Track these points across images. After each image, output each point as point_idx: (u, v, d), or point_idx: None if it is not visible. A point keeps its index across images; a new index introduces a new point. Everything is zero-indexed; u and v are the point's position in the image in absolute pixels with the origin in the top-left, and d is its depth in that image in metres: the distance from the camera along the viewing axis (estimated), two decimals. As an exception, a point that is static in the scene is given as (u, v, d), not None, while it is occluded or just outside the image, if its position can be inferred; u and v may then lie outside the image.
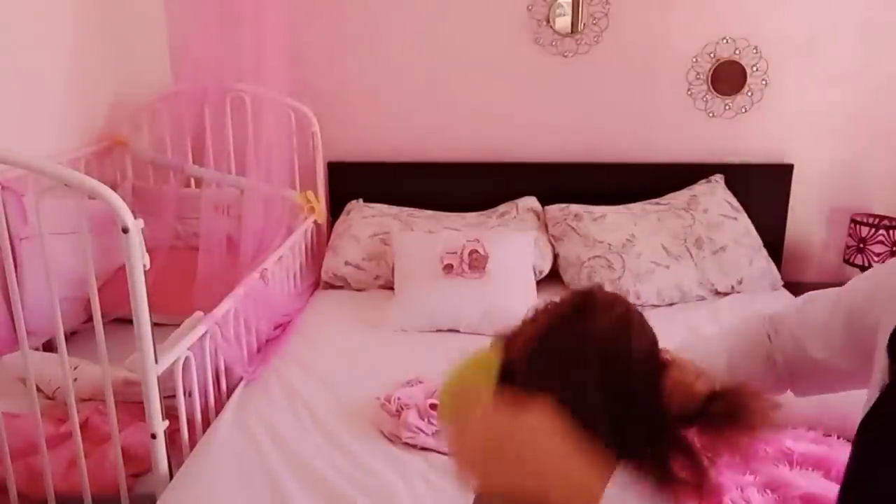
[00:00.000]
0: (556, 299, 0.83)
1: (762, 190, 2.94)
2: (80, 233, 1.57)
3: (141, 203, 2.79)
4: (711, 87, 2.94)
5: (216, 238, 2.62)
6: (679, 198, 2.89)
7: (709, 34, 2.91)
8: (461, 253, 2.54)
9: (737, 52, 2.90)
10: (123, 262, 1.55)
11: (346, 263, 2.78)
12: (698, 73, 2.95)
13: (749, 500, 1.44)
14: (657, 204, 2.89)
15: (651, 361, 0.80)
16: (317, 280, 2.89)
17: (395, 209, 2.97)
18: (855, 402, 1.72)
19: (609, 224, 2.76)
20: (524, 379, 0.77)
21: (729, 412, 0.74)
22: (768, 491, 1.47)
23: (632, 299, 2.55)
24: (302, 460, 1.69)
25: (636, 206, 2.87)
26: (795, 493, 1.44)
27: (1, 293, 2.08)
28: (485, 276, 2.51)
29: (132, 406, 1.83)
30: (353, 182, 3.07)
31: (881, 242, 2.76)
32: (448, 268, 2.54)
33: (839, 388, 0.92)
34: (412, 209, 2.97)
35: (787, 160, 2.98)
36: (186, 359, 1.80)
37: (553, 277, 2.76)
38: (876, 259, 2.78)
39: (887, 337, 0.72)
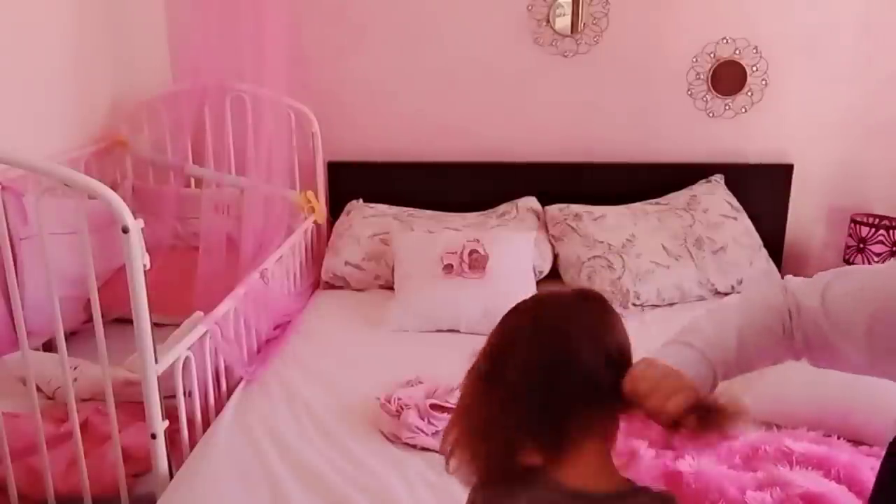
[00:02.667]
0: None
1: (762, 190, 2.94)
2: (79, 233, 1.57)
3: (141, 203, 2.79)
4: (711, 88, 2.94)
5: (216, 238, 2.62)
6: (679, 198, 2.89)
7: (709, 34, 2.91)
8: (461, 253, 2.54)
9: (737, 52, 2.90)
10: (123, 262, 1.55)
11: (346, 263, 2.78)
12: (698, 74, 2.95)
13: (749, 500, 1.44)
14: (657, 204, 2.89)
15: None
16: (317, 280, 2.89)
17: (395, 209, 2.97)
18: (855, 403, 1.72)
19: (609, 224, 2.76)
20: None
21: (699, 427, 0.83)
22: (768, 490, 1.47)
23: (632, 299, 2.55)
24: (302, 460, 1.69)
25: (636, 206, 2.87)
26: (796, 493, 1.44)
27: (1, 293, 2.08)
28: (485, 276, 2.51)
29: (132, 406, 1.83)
30: (353, 182, 3.07)
31: (881, 242, 2.76)
32: (448, 268, 2.54)
33: (855, 372, 0.93)
34: (412, 209, 2.97)
35: (787, 160, 2.98)
36: (186, 359, 1.80)
37: (553, 277, 2.76)
38: (876, 259, 2.77)
39: None
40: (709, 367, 0.93)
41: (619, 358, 0.88)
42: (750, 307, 0.99)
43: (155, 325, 1.63)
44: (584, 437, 0.86)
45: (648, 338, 1.09)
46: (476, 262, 2.53)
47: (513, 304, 0.95)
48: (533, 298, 0.97)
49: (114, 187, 2.11)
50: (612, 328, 0.90)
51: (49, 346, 2.21)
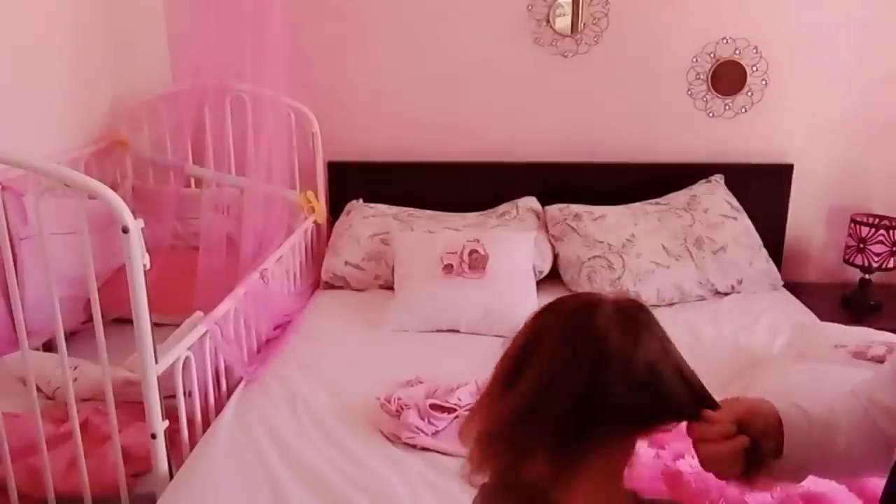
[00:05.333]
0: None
1: (762, 190, 2.94)
2: (79, 233, 1.57)
3: (141, 203, 2.78)
4: (711, 88, 2.94)
5: (216, 238, 2.62)
6: (679, 198, 2.89)
7: (709, 34, 2.91)
8: (461, 253, 2.54)
9: (737, 52, 2.90)
10: (123, 262, 1.55)
11: (346, 263, 2.78)
12: (698, 73, 2.95)
13: (750, 500, 1.44)
14: (657, 204, 2.89)
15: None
16: (317, 280, 2.89)
17: (395, 209, 2.97)
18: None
19: (609, 224, 2.76)
20: None
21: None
22: (769, 489, 1.47)
23: (632, 299, 2.55)
24: (302, 460, 1.69)
25: (636, 206, 2.87)
26: (796, 492, 1.44)
27: (1, 293, 2.08)
28: (485, 276, 2.51)
29: (132, 406, 1.82)
30: (353, 182, 3.07)
31: (881, 242, 2.76)
32: (448, 268, 2.53)
33: None
34: (412, 209, 2.97)
35: (787, 160, 2.98)
36: (186, 359, 1.80)
37: (553, 277, 2.76)
38: (876, 259, 2.77)
39: None
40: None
41: (650, 379, 0.83)
42: (839, 413, 0.97)
43: (155, 325, 1.63)
44: (600, 458, 0.83)
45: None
46: (476, 262, 2.53)
47: (540, 302, 0.94)
48: (570, 302, 0.90)
49: (114, 187, 2.11)
50: (647, 345, 0.84)
51: (49, 346, 2.21)
